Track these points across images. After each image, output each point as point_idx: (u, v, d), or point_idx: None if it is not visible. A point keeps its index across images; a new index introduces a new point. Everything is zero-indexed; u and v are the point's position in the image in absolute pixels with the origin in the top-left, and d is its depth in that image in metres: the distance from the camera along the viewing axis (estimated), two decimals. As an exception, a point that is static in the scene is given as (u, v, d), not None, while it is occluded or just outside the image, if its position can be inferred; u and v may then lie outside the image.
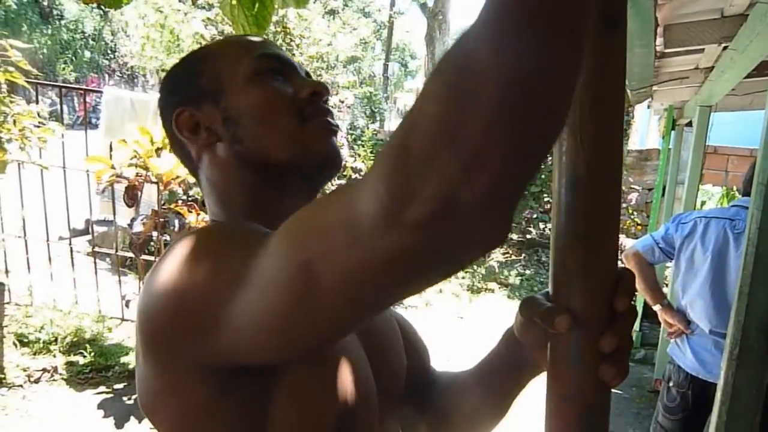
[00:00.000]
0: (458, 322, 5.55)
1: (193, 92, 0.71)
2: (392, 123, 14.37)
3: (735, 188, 6.46)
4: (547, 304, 0.56)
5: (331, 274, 0.44)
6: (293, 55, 6.09)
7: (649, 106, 5.79)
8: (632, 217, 7.87)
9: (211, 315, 0.54)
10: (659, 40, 2.82)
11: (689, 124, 5.20)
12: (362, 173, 6.33)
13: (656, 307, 2.51)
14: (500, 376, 0.75)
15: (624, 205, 8.09)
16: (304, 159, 0.70)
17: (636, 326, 5.12)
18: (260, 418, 0.61)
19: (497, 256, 7.08)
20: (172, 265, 0.58)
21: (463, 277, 6.80)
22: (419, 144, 0.37)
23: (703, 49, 3.03)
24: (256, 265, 0.51)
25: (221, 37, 3.84)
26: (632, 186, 8.18)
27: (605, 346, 0.54)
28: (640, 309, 5.07)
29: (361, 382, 0.68)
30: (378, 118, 12.82)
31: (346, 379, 0.66)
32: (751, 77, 3.35)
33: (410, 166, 0.38)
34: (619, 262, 0.56)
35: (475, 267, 7.03)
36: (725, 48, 2.58)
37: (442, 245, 0.40)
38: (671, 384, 2.41)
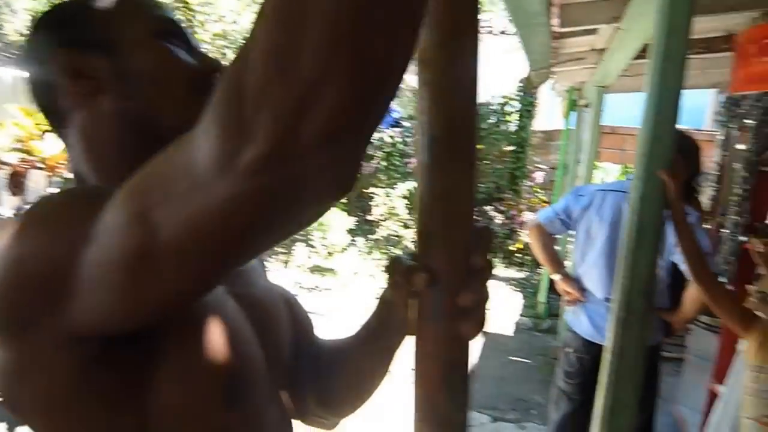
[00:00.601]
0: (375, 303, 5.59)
1: (80, 36, 0.65)
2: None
3: (631, 165, 6.87)
4: (409, 263, 0.56)
5: (169, 225, 0.41)
6: (195, 32, 5.84)
7: (552, 88, 6.01)
8: (537, 194, 8.21)
9: (60, 276, 0.50)
10: (556, 21, 2.92)
11: (588, 105, 5.46)
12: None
13: (555, 277, 2.62)
14: (379, 338, 0.75)
15: (530, 184, 8.42)
16: (190, 127, 0.66)
17: (542, 298, 5.37)
18: (139, 391, 0.57)
19: (412, 234, 7.19)
20: (16, 233, 0.53)
21: (380, 258, 6.85)
22: (251, 78, 0.34)
23: (597, 30, 3.17)
24: (100, 221, 0.48)
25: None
26: (537, 165, 8.53)
27: (463, 301, 0.55)
28: (546, 282, 5.33)
29: (247, 352, 0.65)
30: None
31: (230, 348, 0.63)
32: (641, 59, 3.55)
33: (242, 103, 0.35)
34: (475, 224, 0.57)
35: (391, 249, 7.11)
36: (617, 29, 2.71)
37: (281, 191, 0.37)
38: (570, 350, 2.53)
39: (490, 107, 8.57)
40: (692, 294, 2.14)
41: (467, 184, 0.54)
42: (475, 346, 4.31)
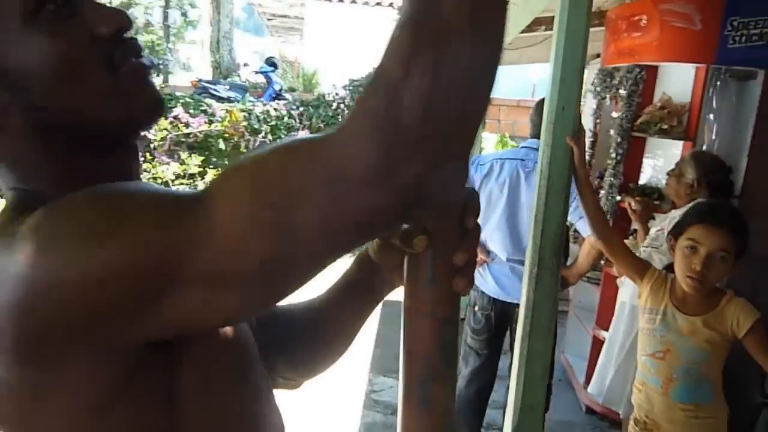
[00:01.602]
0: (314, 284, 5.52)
1: None
2: (177, 77, 13.30)
3: (507, 134, 7.28)
4: (407, 227, 0.58)
5: (309, 230, 0.44)
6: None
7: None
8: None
9: (155, 284, 0.46)
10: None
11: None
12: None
13: (461, 241, 2.77)
14: (354, 301, 0.77)
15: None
16: (128, 116, 0.59)
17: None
18: (169, 388, 0.55)
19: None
20: (67, 238, 0.47)
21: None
22: (409, 121, 0.41)
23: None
24: (207, 223, 0.45)
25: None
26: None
27: (459, 260, 0.59)
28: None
29: (244, 329, 0.66)
30: (162, 71, 11.86)
31: (235, 328, 0.64)
32: (524, 32, 3.76)
33: (407, 123, 0.41)
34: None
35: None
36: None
37: (415, 202, 0.44)
38: (476, 308, 2.70)
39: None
40: (586, 250, 2.36)
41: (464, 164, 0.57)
42: (378, 314, 4.42)
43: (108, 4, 0.61)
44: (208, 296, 0.47)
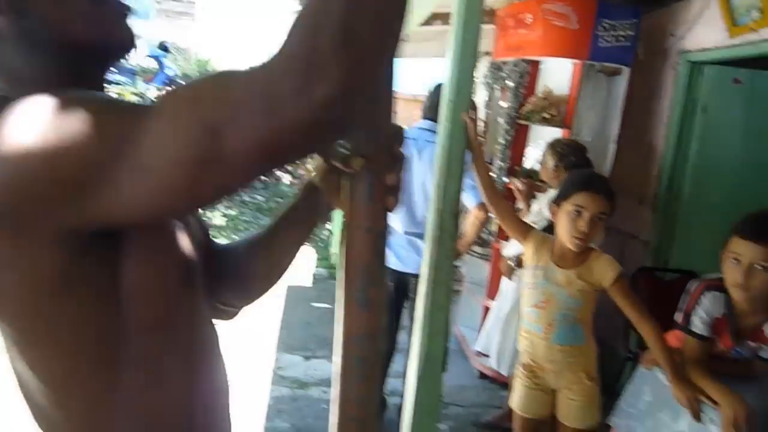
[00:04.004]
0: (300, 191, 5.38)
1: None
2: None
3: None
4: (345, 152, 0.71)
5: (239, 139, 0.50)
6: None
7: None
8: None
9: (91, 176, 0.54)
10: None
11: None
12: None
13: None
14: (304, 221, 0.89)
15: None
16: (103, 42, 0.69)
17: (335, 249, 5.73)
18: (115, 275, 0.64)
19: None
20: (20, 130, 0.54)
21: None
22: (324, 42, 0.49)
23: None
24: (147, 128, 0.53)
25: None
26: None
27: (391, 180, 0.72)
28: (338, 234, 5.70)
29: (187, 242, 0.75)
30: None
31: (179, 236, 0.73)
32: (422, 26, 3.97)
33: (324, 48, 0.48)
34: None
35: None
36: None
37: (336, 124, 0.52)
38: (379, 280, 2.86)
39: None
40: (470, 221, 2.60)
41: (391, 90, 0.71)
42: (281, 298, 4.50)
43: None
44: (139, 187, 0.54)
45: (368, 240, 0.74)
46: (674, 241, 3.32)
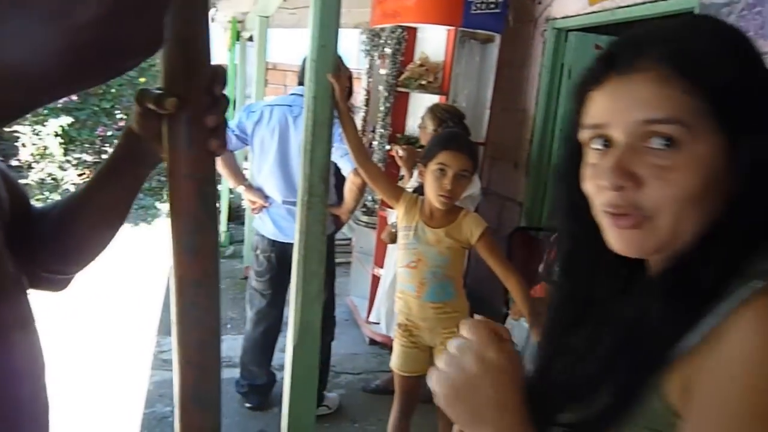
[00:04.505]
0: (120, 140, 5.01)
1: None
2: None
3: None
4: (158, 93, 0.66)
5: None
6: None
7: (213, 19, 6.02)
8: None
9: None
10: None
11: (251, 38, 5.65)
12: None
13: (239, 189, 2.83)
14: (128, 173, 0.82)
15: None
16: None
17: (224, 227, 5.55)
18: None
19: (71, 178, 6.53)
20: None
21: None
22: None
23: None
24: None
25: None
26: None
27: (210, 121, 0.68)
28: (226, 212, 5.52)
29: None
30: None
31: None
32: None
33: None
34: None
35: (47, 194, 6.34)
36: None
37: (105, 46, 0.47)
38: (258, 252, 2.80)
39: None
40: (349, 187, 2.58)
41: (204, 28, 0.66)
42: (165, 281, 4.30)
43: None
44: None
45: (191, 187, 0.69)
46: (545, 202, 3.50)
